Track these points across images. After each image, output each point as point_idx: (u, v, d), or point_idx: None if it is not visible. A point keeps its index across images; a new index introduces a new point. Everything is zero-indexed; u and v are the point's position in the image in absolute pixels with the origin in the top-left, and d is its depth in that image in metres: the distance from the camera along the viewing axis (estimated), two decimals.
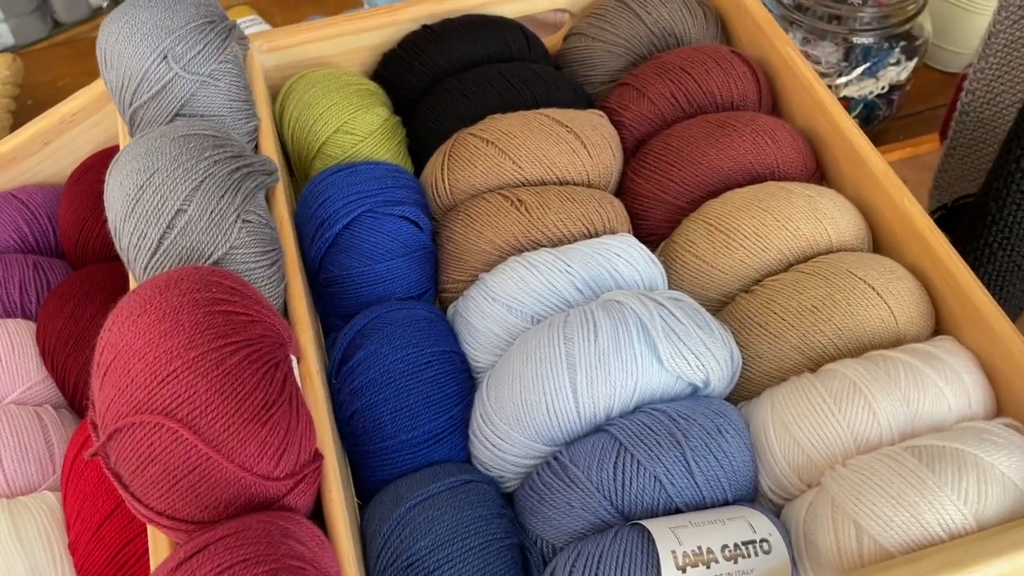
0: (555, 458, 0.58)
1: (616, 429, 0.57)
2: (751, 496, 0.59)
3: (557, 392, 0.58)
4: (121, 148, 0.75)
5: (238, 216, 0.61)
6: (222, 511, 0.49)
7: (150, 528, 0.54)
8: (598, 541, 0.54)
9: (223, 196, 0.61)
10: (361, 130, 0.76)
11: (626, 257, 0.66)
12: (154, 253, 0.59)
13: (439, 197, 0.73)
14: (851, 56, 1.03)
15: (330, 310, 0.69)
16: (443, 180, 0.73)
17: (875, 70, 1.04)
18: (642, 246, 0.67)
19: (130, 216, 0.60)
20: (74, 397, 0.69)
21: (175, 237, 0.59)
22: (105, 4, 1.36)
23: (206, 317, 0.51)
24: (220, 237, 0.60)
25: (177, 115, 0.70)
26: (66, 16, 1.33)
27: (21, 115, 1.17)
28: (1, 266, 0.75)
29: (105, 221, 0.78)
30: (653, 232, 0.73)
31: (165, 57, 0.68)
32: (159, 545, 0.53)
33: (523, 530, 0.59)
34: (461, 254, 0.69)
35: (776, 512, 0.59)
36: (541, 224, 0.68)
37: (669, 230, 0.72)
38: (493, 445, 0.60)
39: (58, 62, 1.32)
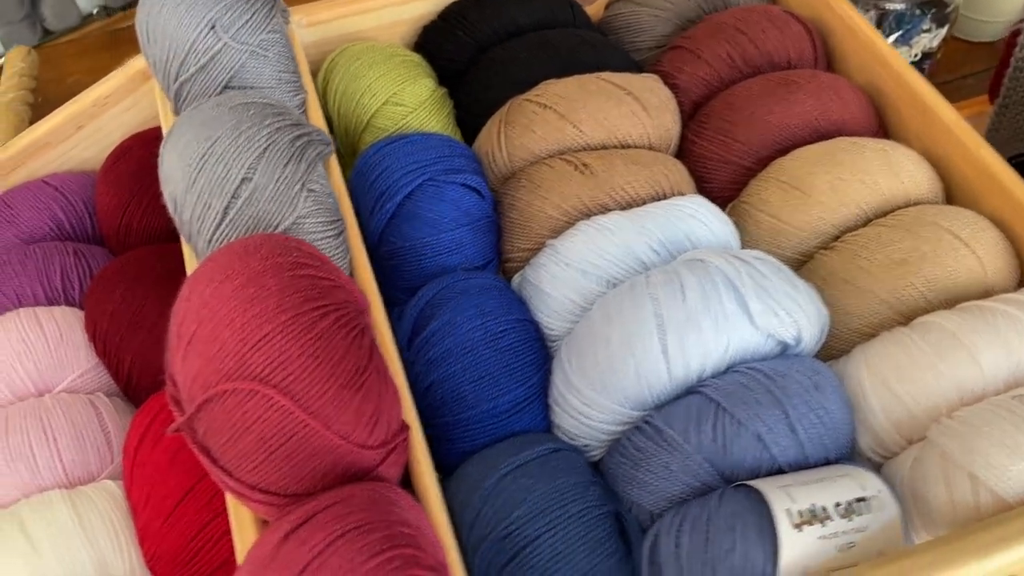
0: (646, 422, 0.56)
1: (711, 390, 0.54)
2: (848, 455, 0.57)
3: (647, 353, 0.55)
4: (163, 128, 0.73)
5: (303, 185, 0.59)
6: (317, 482, 0.47)
7: (232, 507, 0.51)
8: (703, 504, 0.52)
9: (287, 164, 0.58)
10: (410, 101, 0.74)
11: (700, 217, 0.63)
12: (219, 224, 0.57)
13: (496, 165, 0.71)
14: (884, 23, 1.02)
15: (391, 283, 0.67)
16: (500, 148, 0.70)
17: (909, 37, 1.03)
18: (714, 206, 0.65)
19: (192, 187, 0.57)
20: (128, 383, 0.66)
21: (241, 206, 0.57)
22: (95, 11, 1.33)
23: (292, 281, 0.48)
24: (287, 206, 0.58)
25: (226, 87, 0.67)
26: (56, 24, 1.30)
27: (34, 111, 1.15)
28: (41, 254, 0.72)
29: (147, 204, 0.76)
30: (718, 195, 0.71)
31: (213, 27, 0.66)
32: (243, 524, 0.50)
33: (616, 498, 0.56)
34: (526, 221, 0.66)
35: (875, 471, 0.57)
36: (608, 187, 0.65)
37: (734, 192, 0.70)
38: (579, 412, 0.58)
39: (63, 60, 1.29)
